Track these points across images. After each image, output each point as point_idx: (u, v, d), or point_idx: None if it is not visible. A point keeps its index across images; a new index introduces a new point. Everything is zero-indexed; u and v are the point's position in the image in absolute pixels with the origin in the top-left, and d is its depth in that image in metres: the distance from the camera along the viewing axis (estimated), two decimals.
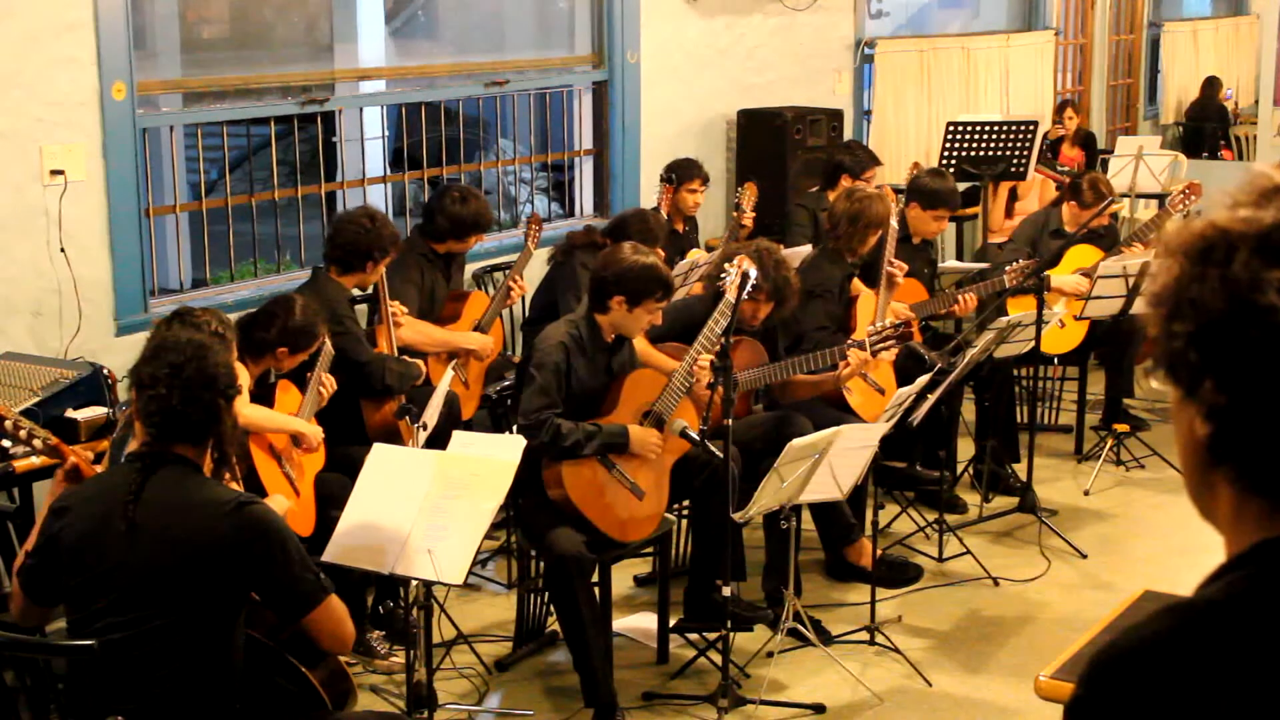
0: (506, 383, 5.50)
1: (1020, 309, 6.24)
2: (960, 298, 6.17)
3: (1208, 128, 12.73)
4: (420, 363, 5.27)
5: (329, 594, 3.09)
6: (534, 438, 4.34)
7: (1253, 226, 1.15)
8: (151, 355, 3.13)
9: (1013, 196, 8.61)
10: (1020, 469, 6.14)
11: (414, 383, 5.13)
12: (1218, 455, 1.19)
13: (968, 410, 6.51)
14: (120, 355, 5.10)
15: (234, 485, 3.26)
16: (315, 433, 4.53)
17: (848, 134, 8.39)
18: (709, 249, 6.86)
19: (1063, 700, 2.71)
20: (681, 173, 6.77)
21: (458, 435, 4.24)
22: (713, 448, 4.41)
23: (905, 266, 5.86)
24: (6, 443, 4.19)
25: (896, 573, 5.38)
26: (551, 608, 4.68)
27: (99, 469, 3.85)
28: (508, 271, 6.21)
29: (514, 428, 4.62)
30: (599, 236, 5.99)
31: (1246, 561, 1.18)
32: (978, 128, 7.90)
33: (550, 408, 4.38)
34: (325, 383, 4.63)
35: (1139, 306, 6.40)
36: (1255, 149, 10.45)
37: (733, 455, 4.47)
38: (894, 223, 5.80)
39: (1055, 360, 6.84)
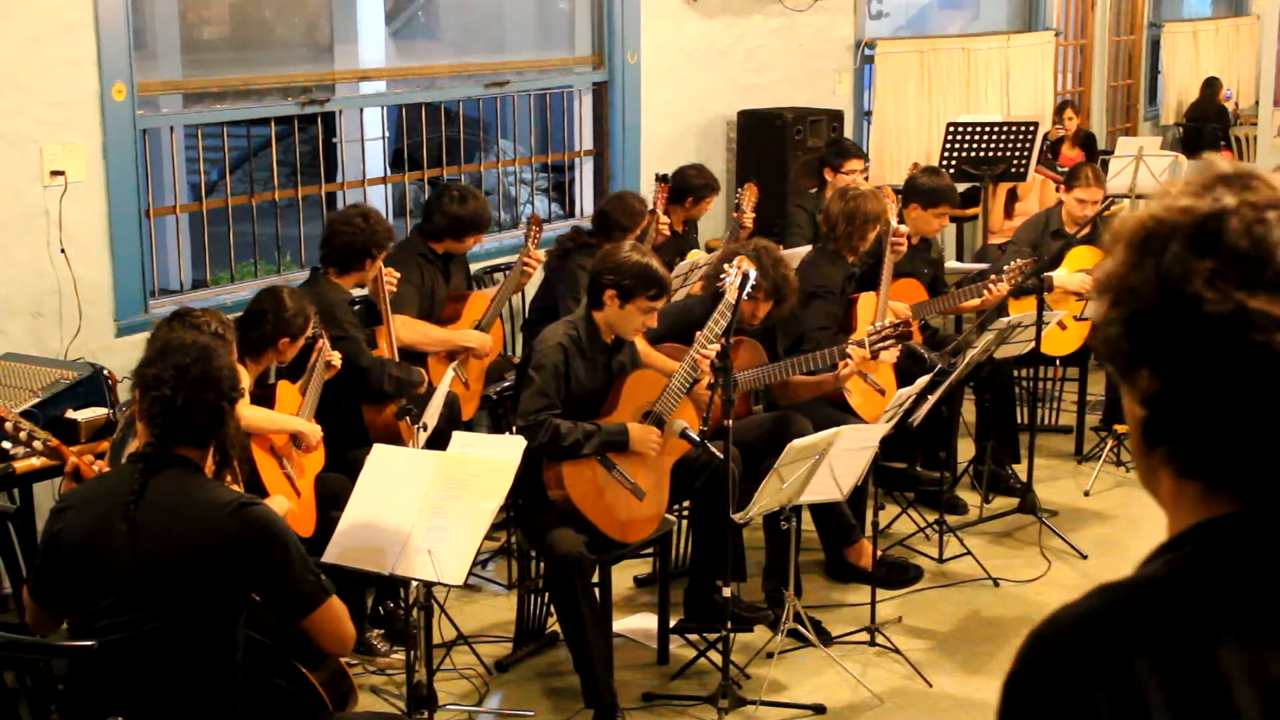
0: (506, 383, 5.51)
1: (1020, 310, 6.24)
2: (990, 287, 6.11)
3: (1208, 128, 12.72)
4: (422, 371, 5.26)
5: (329, 595, 3.09)
6: (533, 438, 4.34)
7: (1187, 217, 1.19)
8: (155, 356, 3.13)
9: (1013, 197, 8.61)
10: (1020, 470, 6.14)
11: (414, 390, 5.11)
12: (1153, 439, 1.23)
13: (968, 411, 6.51)
14: (120, 356, 5.10)
15: (235, 486, 3.26)
16: (315, 431, 4.54)
17: (848, 135, 8.39)
18: (709, 250, 6.86)
19: None
20: (697, 193, 6.79)
21: (458, 436, 4.24)
22: (713, 448, 4.41)
23: (905, 231, 5.86)
24: (6, 444, 4.19)
25: (897, 573, 5.38)
26: (552, 608, 4.67)
27: (99, 468, 3.86)
28: (506, 274, 6.20)
29: (514, 428, 4.62)
30: (588, 236, 6.00)
31: (1184, 542, 1.22)
32: (978, 128, 7.90)
33: (549, 408, 4.38)
34: (330, 359, 4.65)
35: None
36: (1255, 150, 10.45)
37: (733, 456, 4.47)
38: (895, 222, 5.80)
39: (1056, 361, 6.84)
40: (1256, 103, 11.03)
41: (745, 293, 4.55)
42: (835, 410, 5.38)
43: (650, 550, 4.96)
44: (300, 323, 4.57)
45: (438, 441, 4.40)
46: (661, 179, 6.66)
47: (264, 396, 4.52)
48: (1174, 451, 1.22)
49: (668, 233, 6.36)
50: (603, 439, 4.44)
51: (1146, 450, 1.25)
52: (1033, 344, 5.87)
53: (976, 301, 6.23)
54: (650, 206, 6.34)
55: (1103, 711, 1.13)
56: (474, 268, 6.41)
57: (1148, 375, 1.21)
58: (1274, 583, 1.17)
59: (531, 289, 6.37)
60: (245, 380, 4.10)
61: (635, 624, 5.04)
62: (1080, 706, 1.13)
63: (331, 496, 4.48)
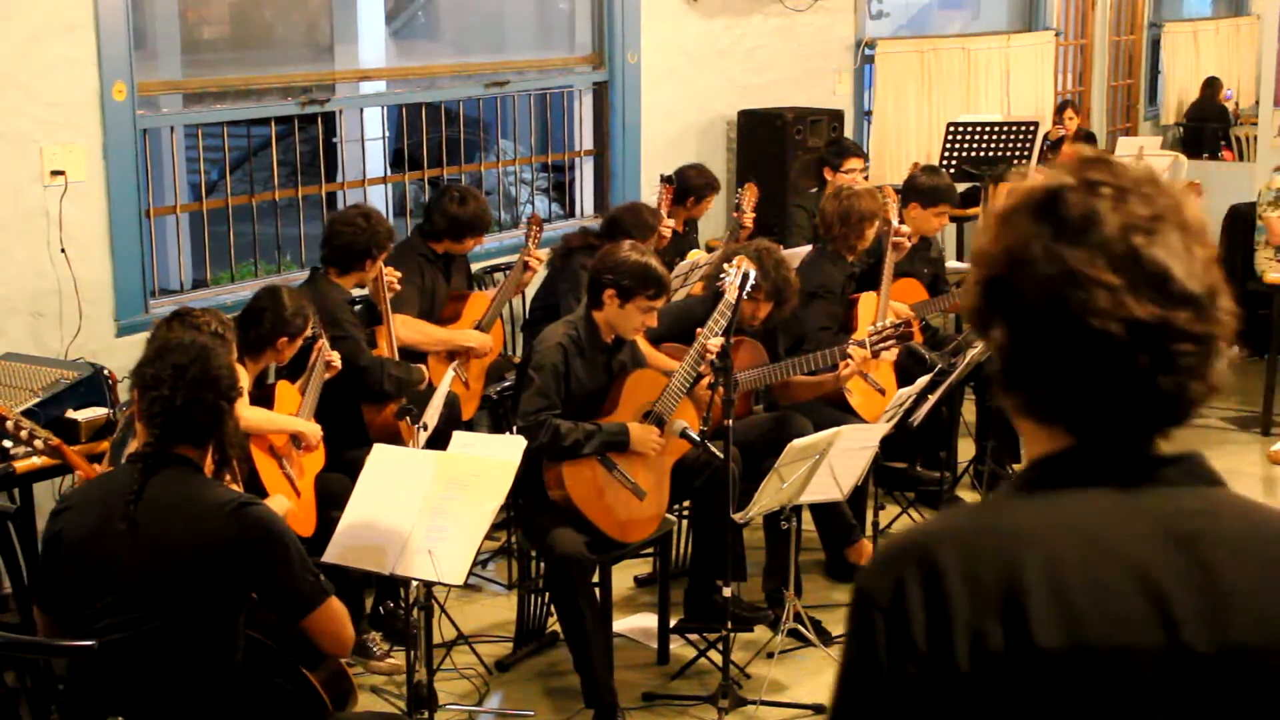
0: (507, 383, 5.50)
1: None
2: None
3: (1208, 128, 12.72)
4: (422, 368, 5.26)
5: (329, 596, 3.09)
6: (534, 439, 4.33)
7: (1035, 192, 1.39)
8: (155, 356, 3.13)
9: None
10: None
11: (415, 388, 5.11)
12: (1006, 386, 1.43)
13: (968, 411, 6.50)
14: (120, 356, 5.10)
15: (235, 486, 3.26)
16: (314, 431, 4.53)
17: (848, 135, 8.39)
18: (709, 249, 6.86)
19: None
20: (698, 193, 6.80)
21: (458, 436, 4.24)
22: (713, 448, 4.41)
23: (907, 230, 5.87)
24: (8, 443, 4.19)
25: None
26: (552, 608, 4.67)
27: (99, 469, 3.86)
28: (506, 274, 6.21)
29: (514, 428, 4.61)
30: (593, 238, 6.00)
31: (1029, 472, 1.42)
32: (978, 128, 7.90)
33: (549, 408, 4.38)
34: (330, 359, 4.63)
35: None
36: (1255, 149, 10.43)
37: (733, 455, 4.46)
38: (895, 221, 5.80)
39: None
40: (1256, 103, 11.02)
41: (745, 292, 4.55)
42: (835, 410, 5.38)
43: (650, 550, 4.96)
44: (299, 323, 4.57)
45: (438, 441, 4.40)
46: (666, 180, 6.67)
47: (263, 396, 4.51)
48: (1023, 396, 1.42)
49: (669, 236, 6.36)
50: (603, 439, 4.44)
51: (1004, 396, 1.44)
52: None
53: None
54: (660, 216, 6.34)
55: (910, 585, 1.34)
56: (474, 267, 6.41)
57: (999, 330, 1.40)
58: (1079, 506, 1.37)
59: (531, 289, 6.37)
60: (244, 380, 4.09)
61: (635, 624, 5.04)
62: (894, 582, 1.35)
63: (331, 496, 4.47)
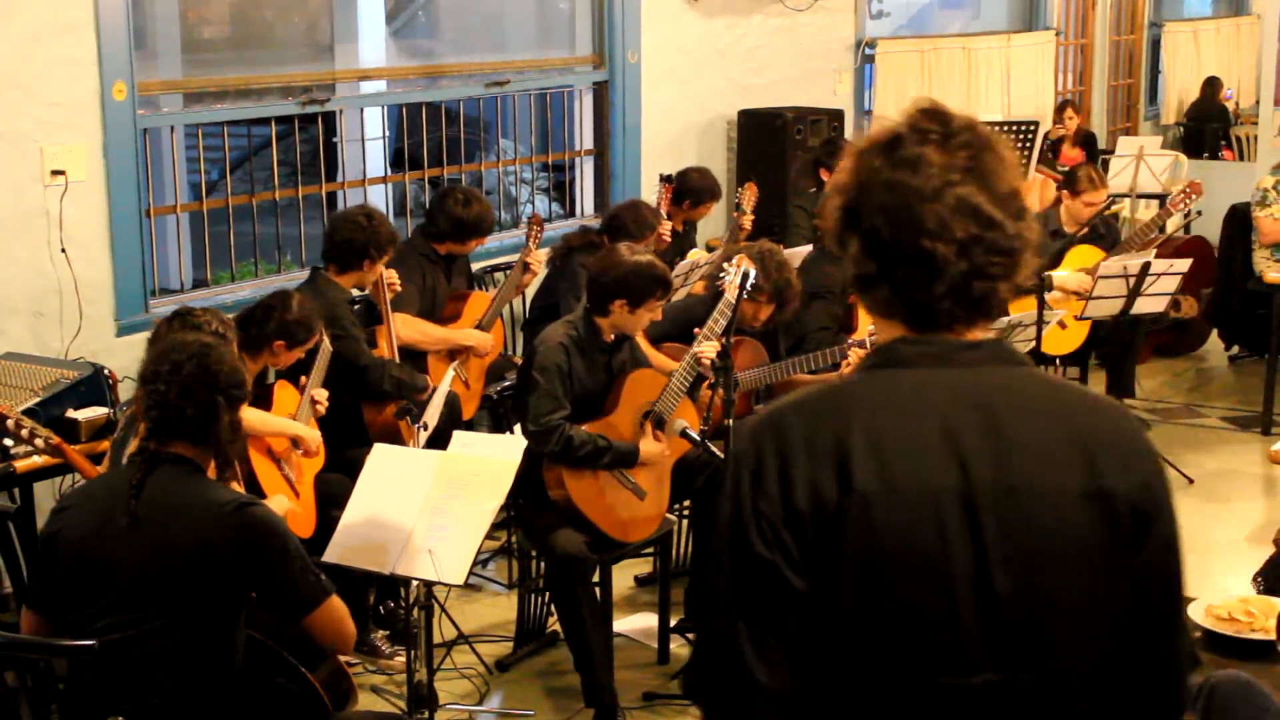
0: (507, 383, 5.50)
1: (1020, 309, 6.24)
2: None
3: (1208, 128, 12.72)
4: (426, 377, 5.24)
5: (330, 594, 3.09)
6: (544, 444, 4.32)
7: (880, 134, 1.74)
8: (155, 355, 3.15)
9: None
10: None
11: (416, 394, 5.09)
12: (858, 290, 1.78)
13: None
14: (121, 355, 5.10)
15: (237, 487, 3.26)
16: (314, 436, 4.51)
17: (848, 134, 8.39)
18: (709, 249, 6.86)
19: None
20: (696, 197, 6.80)
21: (458, 435, 4.23)
22: (714, 448, 4.40)
23: None
24: (9, 442, 4.19)
25: None
26: (552, 608, 4.67)
27: (100, 469, 3.86)
28: (507, 274, 6.21)
29: (516, 425, 4.61)
30: (595, 236, 6.00)
31: (872, 356, 1.78)
32: None
33: (559, 410, 4.37)
34: (318, 398, 4.60)
35: (1138, 306, 6.40)
36: (1256, 149, 10.43)
37: None
38: None
39: (1056, 361, 6.84)
40: (1257, 102, 11.02)
41: (746, 292, 4.55)
42: None
43: (651, 550, 4.96)
44: (302, 333, 4.55)
45: (438, 441, 4.40)
46: (666, 179, 6.67)
47: (262, 396, 4.51)
48: (870, 297, 1.76)
49: (668, 239, 6.36)
50: (613, 457, 4.44)
51: (859, 297, 1.79)
52: (1033, 343, 5.87)
53: None
54: (660, 216, 6.34)
55: (766, 448, 1.71)
56: (475, 267, 6.41)
57: (853, 245, 1.74)
58: (901, 381, 1.73)
59: (531, 289, 6.37)
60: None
61: (635, 624, 5.04)
62: (755, 445, 1.72)
63: (331, 496, 4.47)
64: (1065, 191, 6.90)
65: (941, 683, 1.68)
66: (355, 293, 5.39)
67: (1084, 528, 1.71)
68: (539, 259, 5.94)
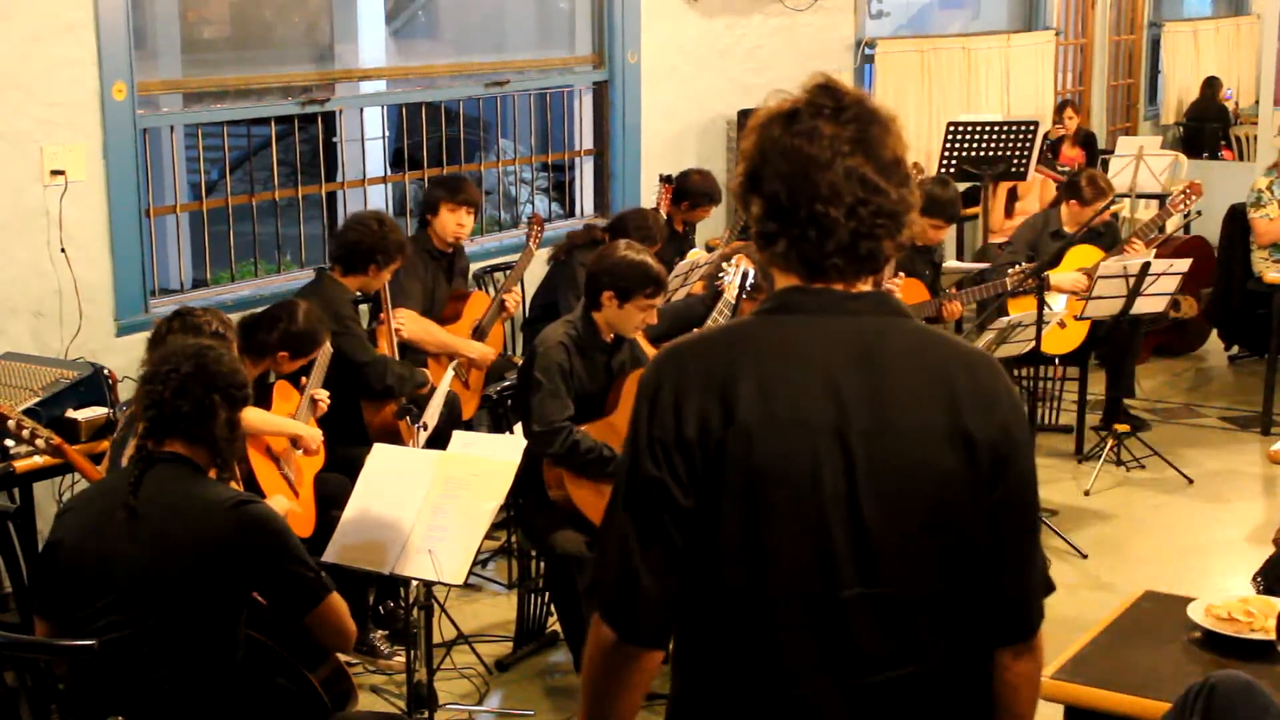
0: (507, 383, 5.50)
1: (1020, 309, 6.24)
2: (945, 305, 6.16)
3: (1208, 128, 12.72)
4: (426, 371, 5.26)
5: (330, 592, 3.09)
6: (549, 445, 4.31)
7: (781, 107, 1.96)
8: (156, 357, 3.17)
9: (1013, 197, 8.61)
10: None
11: (417, 390, 5.10)
12: (759, 247, 1.99)
13: None
14: (120, 355, 5.10)
15: (236, 487, 3.26)
16: (314, 435, 4.52)
17: None
18: (709, 249, 6.87)
19: (1063, 700, 2.73)
20: (694, 200, 6.82)
21: (458, 435, 4.24)
22: None
23: (899, 282, 5.86)
24: (9, 442, 4.20)
25: None
26: (552, 608, 4.67)
27: (101, 469, 3.86)
28: (507, 274, 6.22)
29: (516, 425, 4.60)
30: (599, 233, 6.00)
31: (768, 301, 2.00)
32: (978, 128, 7.90)
33: (565, 411, 4.36)
34: (319, 396, 4.62)
35: (1138, 306, 6.41)
36: (1255, 149, 10.44)
37: None
38: None
39: (1056, 360, 6.84)
40: (1256, 102, 11.03)
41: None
42: None
43: None
44: (306, 345, 4.57)
45: (438, 441, 4.40)
46: (666, 180, 6.66)
47: (262, 396, 4.51)
48: (768, 252, 1.98)
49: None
50: (616, 469, 4.42)
51: (760, 254, 2.00)
52: (1033, 343, 5.87)
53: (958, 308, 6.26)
54: (654, 206, 6.34)
55: (665, 380, 1.94)
56: (475, 267, 6.42)
57: (756, 206, 1.96)
58: (789, 326, 1.95)
59: (531, 288, 6.37)
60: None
61: None
62: (656, 377, 1.95)
63: (331, 496, 4.47)
64: (1074, 201, 6.84)
65: (816, 595, 1.90)
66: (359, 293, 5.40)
67: (946, 465, 1.91)
68: (515, 299, 5.95)
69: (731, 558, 1.90)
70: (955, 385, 1.93)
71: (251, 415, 4.25)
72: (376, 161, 7.86)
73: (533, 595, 4.86)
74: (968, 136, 7.87)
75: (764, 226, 1.96)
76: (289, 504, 3.92)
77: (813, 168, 1.90)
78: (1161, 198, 8.15)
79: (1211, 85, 12.91)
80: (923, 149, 9.14)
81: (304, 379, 4.59)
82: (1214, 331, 8.53)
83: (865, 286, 1.98)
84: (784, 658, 1.92)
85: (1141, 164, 8.46)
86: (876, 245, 1.93)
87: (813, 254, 1.93)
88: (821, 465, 1.88)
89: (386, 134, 7.26)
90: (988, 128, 7.89)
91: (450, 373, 4.89)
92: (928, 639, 1.94)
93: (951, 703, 1.98)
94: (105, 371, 4.67)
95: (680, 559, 1.92)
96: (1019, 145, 7.85)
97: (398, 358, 5.24)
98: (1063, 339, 6.68)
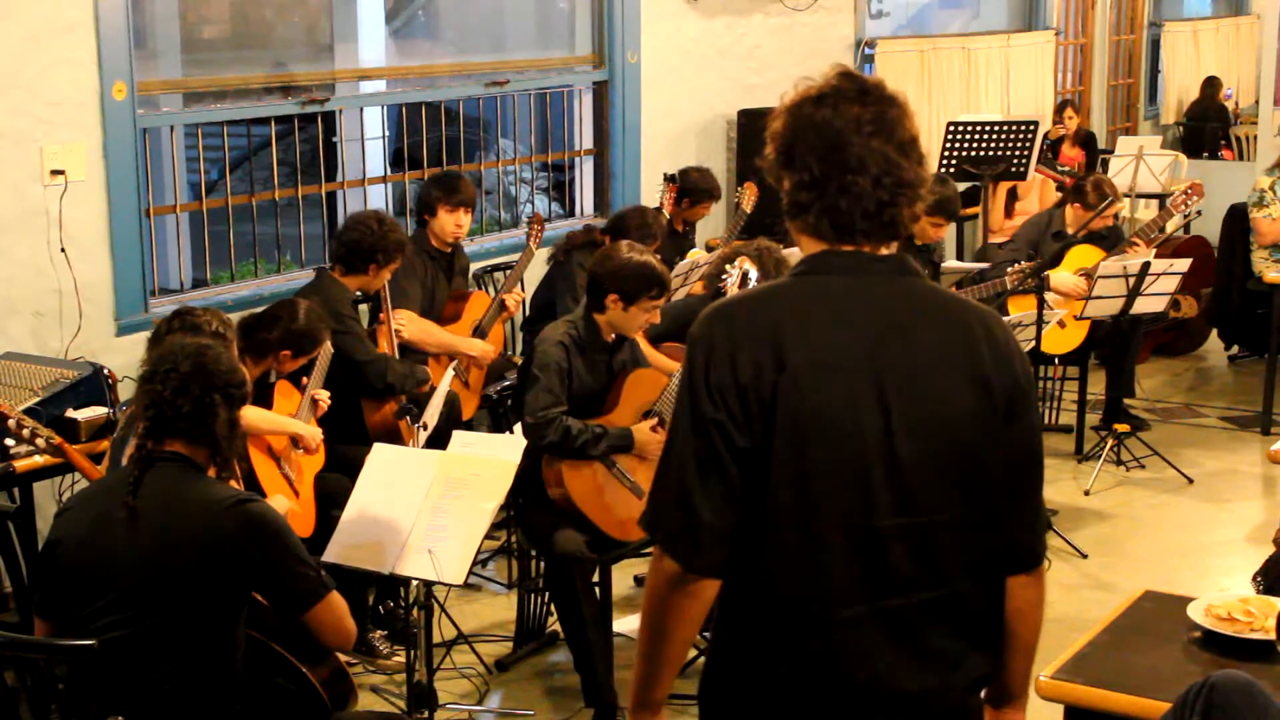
0: (507, 383, 5.50)
1: (1020, 309, 6.24)
2: None
3: (1208, 128, 12.72)
4: (425, 368, 5.26)
5: (330, 590, 3.09)
6: (542, 436, 4.33)
7: (813, 89, 2.20)
8: (156, 357, 3.16)
9: (1013, 196, 8.61)
10: None
11: (418, 387, 5.11)
12: (790, 217, 2.23)
13: None
14: (120, 355, 5.10)
15: (236, 486, 3.26)
16: (314, 434, 4.52)
17: None
18: (709, 249, 6.87)
19: (1063, 700, 2.73)
20: (695, 196, 6.83)
21: (458, 435, 4.24)
22: None
23: None
24: (10, 441, 4.20)
25: None
26: (552, 608, 4.67)
27: (101, 468, 3.86)
28: (507, 274, 6.21)
29: (516, 425, 4.61)
30: (599, 234, 6.00)
31: (800, 265, 2.23)
32: (978, 128, 7.90)
33: (557, 405, 4.38)
34: (320, 396, 4.62)
35: (1138, 306, 6.40)
36: (1255, 149, 10.44)
37: None
38: None
39: (1056, 360, 6.84)
40: (1256, 102, 11.03)
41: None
42: None
43: (650, 550, 4.95)
44: (307, 343, 4.58)
45: (438, 441, 4.40)
46: (670, 179, 6.66)
47: (263, 396, 4.51)
48: (800, 222, 2.21)
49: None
50: (609, 442, 4.44)
51: (790, 223, 2.23)
52: (1033, 343, 5.86)
53: None
54: (657, 206, 6.33)
55: (717, 331, 2.16)
56: (475, 267, 6.42)
57: (788, 180, 2.20)
58: (823, 283, 2.18)
59: (531, 288, 6.37)
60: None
61: (636, 624, 5.02)
62: (708, 330, 2.17)
63: (331, 496, 4.47)
64: (1078, 205, 6.83)
65: (857, 524, 2.12)
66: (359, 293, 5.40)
67: (968, 405, 2.15)
68: (516, 299, 5.95)
69: (783, 491, 2.10)
70: (974, 335, 2.18)
71: (252, 414, 4.26)
72: (376, 161, 7.86)
73: (533, 595, 4.86)
74: (967, 136, 7.87)
75: (796, 197, 2.19)
76: (289, 503, 3.92)
77: (842, 142, 2.13)
78: (1162, 198, 8.15)
79: (1211, 85, 12.91)
80: (922, 149, 9.12)
81: (305, 378, 4.59)
82: (1214, 331, 8.53)
83: (888, 250, 2.21)
84: (831, 583, 2.12)
85: (1141, 164, 8.47)
86: (898, 212, 2.18)
87: (843, 220, 2.16)
88: (861, 407, 2.11)
89: (386, 134, 7.26)
90: (988, 127, 7.89)
91: (450, 372, 4.89)
92: (953, 566, 2.16)
93: (972, 624, 2.20)
94: (105, 371, 4.67)
95: (737, 494, 2.12)
96: (1019, 145, 7.85)
97: (399, 358, 5.24)
98: (1063, 339, 6.68)
